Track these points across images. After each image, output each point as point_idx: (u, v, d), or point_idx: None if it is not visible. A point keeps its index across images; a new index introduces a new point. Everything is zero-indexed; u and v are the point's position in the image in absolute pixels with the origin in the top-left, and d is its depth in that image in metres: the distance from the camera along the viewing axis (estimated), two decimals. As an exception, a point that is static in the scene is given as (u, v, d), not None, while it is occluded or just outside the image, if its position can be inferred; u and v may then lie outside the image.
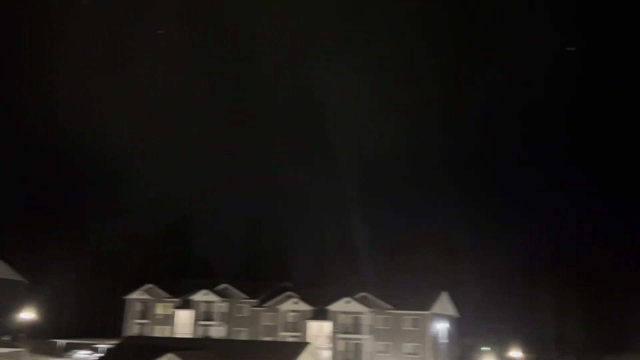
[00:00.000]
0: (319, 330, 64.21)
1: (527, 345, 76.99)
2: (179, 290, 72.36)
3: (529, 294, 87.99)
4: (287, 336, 64.35)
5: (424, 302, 61.25)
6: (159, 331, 70.00)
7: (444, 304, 64.88)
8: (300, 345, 48.42)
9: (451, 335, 66.72)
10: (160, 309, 72.03)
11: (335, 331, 62.10)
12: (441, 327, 62.81)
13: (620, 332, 78.99)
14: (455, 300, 67.08)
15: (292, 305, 65.61)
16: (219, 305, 69.02)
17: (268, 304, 67.51)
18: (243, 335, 66.96)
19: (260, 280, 77.49)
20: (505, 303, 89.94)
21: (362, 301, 62.35)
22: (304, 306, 65.01)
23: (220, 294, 69.50)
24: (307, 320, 64.42)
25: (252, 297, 68.88)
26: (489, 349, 73.27)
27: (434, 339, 60.58)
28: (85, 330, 77.13)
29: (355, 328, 61.79)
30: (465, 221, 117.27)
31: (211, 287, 69.94)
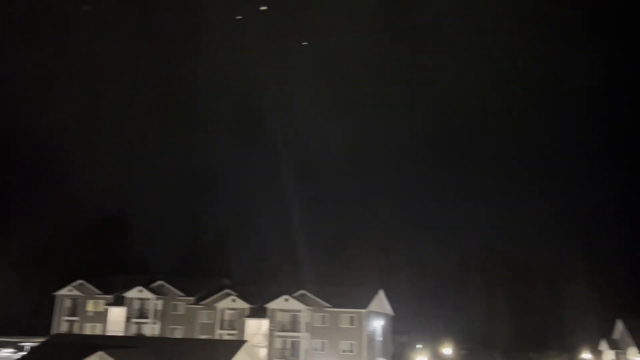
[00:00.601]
0: (256, 329, 64.01)
1: (458, 343, 79.87)
2: (112, 286, 70.33)
3: (461, 293, 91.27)
4: (224, 334, 63.90)
5: (361, 300, 62.23)
6: (90, 329, 67.83)
7: (381, 302, 66.16)
8: (237, 344, 48.07)
9: (386, 332, 68.12)
10: (91, 306, 69.78)
11: (273, 329, 62.13)
12: (377, 325, 64.02)
13: (543, 331, 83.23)
14: (391, 299, 68.53)
15: (229, 303, 65.09)
16: (154, 302, 67.56)
17: (205, 301, 66.67)
18: (178, 333, 65.91)
19: (198, 277, 76.41)
20: (438, 301, 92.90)
21: (301, 299, 62.66)
22: (242, 304, 64.63)
23: (155, 291, 68.03)
24: (245, 318, 64.09)
25: (188, 295, 67.82)
26: (421, 346, 75.44)
27: (370, 336, 61.67)
28: (13, 327, 73.74)
29: (293, 326, 62.02)
30: (402, 221, 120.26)
31: (146, 284, 68.35)
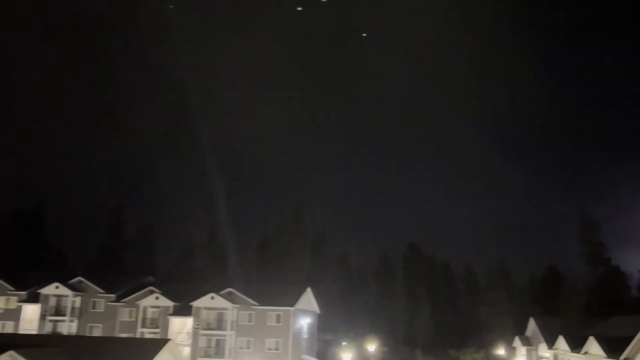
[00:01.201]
0: (181, 327, 62.68)
1: (382, 340, 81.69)
2: (26, 283, 66.50)
3: (385, 290, 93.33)
4: (146, 333, 62.07)
5: (288, 298, 62.28)
6: (1, 327, 63.83)
7: (308, 300, 66.51)
8: (159, 342, 46.66)
9: (312, 330, 68.58)
10: (2, 303, 65.68)
11: (197, 327, 61.00)
12: (304, 323, 64.31)
13: (462, 329, 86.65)
14: (318, 296, 69.04)
15: (153, 301, 63.25)
16: (72, 299, 64.55)
17: (127, 299, 64.46)
18: (97, 331, 63.37)
19: (120, 274, 73.77)
20: (363, 299, 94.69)
21: (228, 297, 61.90)
22: (165, 302, 63.00)
23: (73, 287, 65.04)
24: (168, 317, 62.55)
25: (109, 292, 65.32)
26: (346, 343, 76.54)
27: (296, 334, 61.85)
28: None
29: (219, 324, 61.18)
30: (330, 219, 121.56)
31: (63, 280, 65.17)
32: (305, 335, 65.04)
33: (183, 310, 62.70)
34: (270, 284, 68.97)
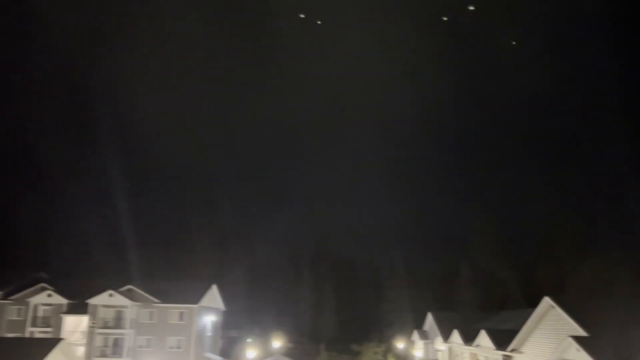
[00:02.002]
0: (75, 326, 59.40)
1: (287, 336, 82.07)
2: None
3: (291, 287, 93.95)
4: (37, 332, 58.21)
5: (192, 296, 60.89)
6: None
7: (213, 297, 65.41)
8: (51, 342, 43.97)
9: (217, 327, 67.55)
10: None
11: (93, 326, 58.07)
12: (208, 320, 63.17)
13: (365, 324, 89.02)
14: (223, 293, 68.11)
15: (45, 298, 59.41)
16: (-49, 297, 59.21)
17: (15, 296, 60.04)
18: (-20, 332, 58.53)
19: (9, 269, 68.52)
20: (270, 295, 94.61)
21: (127, 294, 59.44)
22: (59, 299, 59.42)
23: (-47, 284, 59.69)
24: (62, 315, 59.04)
25: (-5, 289, 60.59)
26: (251, 340, 76.09)
27: (200, 332, 60.63)
28: None
29: (117, 322, 58.62)
30: (237, 216, 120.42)
31: (-58, 277, 59.65)
32: (209, 333, 63.93)
33: (78, 308, 59.46)
34: (174, 281, 67.09)
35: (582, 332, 29.99)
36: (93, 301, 58.42)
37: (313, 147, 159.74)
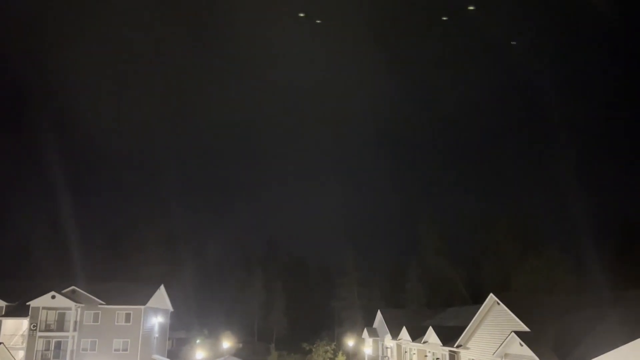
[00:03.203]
0: (15, 329, 56.94)
1: (236, 336, 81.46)
2: None
3: (242, 287, 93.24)
4: (-28, 337, 55.39)
5: (139, 297, 59.46)
6: None
7: (161, 297, 64.10)
8: (-12, 347, 42.09)
9: (164, 329, 66.24)
10: None
11: (34, 329, 55.81)
12: (155, 322, 61.87)
13: (316, 322, 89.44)
14: (172, 294, 66.86)
15: (-19, 301, 56.68)
16: None
17: (-51, 299, 57.02)
18: None
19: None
20: (220, 295, 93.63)
21: (71, 296, 57.43)
22: (-3, 301, 56.80)
23: None
24: (0, 318, 56.44)
25: None
26: (200, 341, 75.08)
27: (146, 333, 59.30)
28: None
29: (59, 325, 56.54)
30: (186, 215, 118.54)
31: None
32: (156, 335, 62.60)
33: (18, 310, 56.99)
34: (120, 282, 65.34)
35: (524, 328, 31.10)
36: (34, 303, 56.12)
37: (264, 146, 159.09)
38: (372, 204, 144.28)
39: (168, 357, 65.57)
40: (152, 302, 60.37)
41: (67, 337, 56.31)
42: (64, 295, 56.84)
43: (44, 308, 56.48)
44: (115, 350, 57.24)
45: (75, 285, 58.59)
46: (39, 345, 55.96)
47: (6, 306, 57.24)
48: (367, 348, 67.80)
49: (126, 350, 57.40)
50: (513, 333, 30.67)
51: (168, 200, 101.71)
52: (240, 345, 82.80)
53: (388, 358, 61.45)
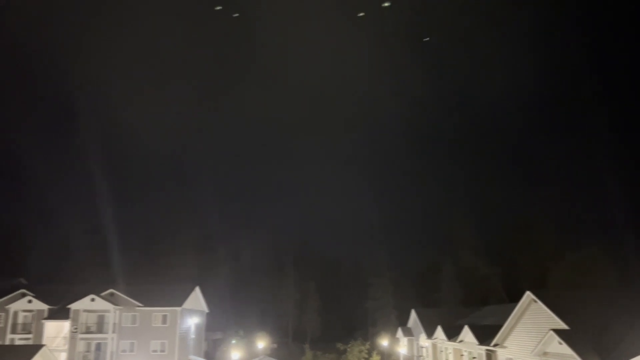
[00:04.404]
0: (57, 331, 58.60)
1: (271, 336, 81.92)
2: None
3: (275, 287, 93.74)
4: (17, 339, 57.29)
5: (175, 298, 60.41)
6: None
7: (196, 299, 64.99)
8: (32, 349, 43.40)
9: (200, 330, 67.13)
10: None
11: (75, 331, 57.31)
12: (191, 323, 62.74)
13: (349, 322, 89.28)
14: (207, 295, 67.70)
15: (25, 304, 58.51)
16: None
17: (-6, 303, 59.04)
18: (-42, 340, 57.43)
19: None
20: (254, 296, 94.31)
21: (109, 298, 58.77)
22: (39, 305, 58.55)
23: None
24: (43, 321, 58.16)
25: (-27, 296, 59.47)
26: (235, 342, 75.78)
27: (183, 334, 60.20)
28: None
29: (99, 327, 57.94)
30: (220, 217, 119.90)
31: None
32: (192, 336, 63.52)
33: (60, 313, 58.66)
34: (156, 284, 66.49)
35: (563, 325, 30.43)
36: (74, 306, 57.65)
37: (296, 148, 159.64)
38: (405, 203, 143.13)
39: (204, 357, 66.39)
40: (187, 304, 61.25)
41: (106, 338, 57.62)
42: (103, 298, 58.20)
43: (84, 311, 57.94)
44: (153, 351, 58.25)
45: (113, 288, 59.90)
46: (80, 347, 57.44)
47: (48, 309, 58.93)
48: (402, 348, 67.34)
49: (164, 351, 58.36)
50: (551, 331, 30.04)
51: (202, 203, 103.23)
52: (275, 345, 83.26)
53: (423, 358, 60.92)
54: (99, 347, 57.91)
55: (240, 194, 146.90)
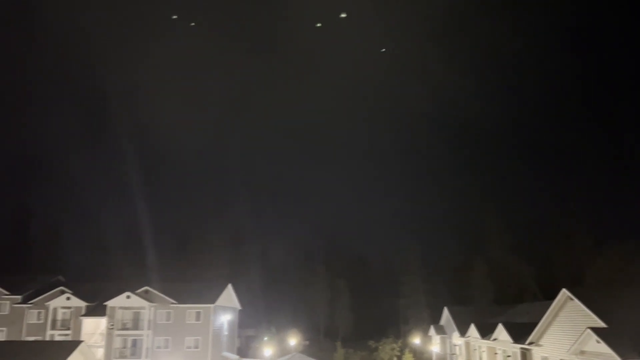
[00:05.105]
0: (94, 328, 60.03)
1: (303, 333, 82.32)
2: None
3: (306, 285, 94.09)
4: (56, 335, 58.94)
5: (208, 296, 61.19)
6: None
7: (229, 296, 65.70)
8: (71, 345, 44.54)
9: (233, 327, 67.87)
10: None
11: (112, 327, 58.62)
12: (224, 320, 63.50)
13: (381, 320, 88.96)
14: (239, 292, 68.39)
15: (63, 302, 60.11)
16: (-28, 302, 60.09)
17: (35, 300, 60.79)
18: (1, 335, 59.35)
19: (26, 274, 69.42)
20: (285, 294, 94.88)
21: (144, 296, 59.89)
22: (77, 302, 60.06)
23: (-27, 290, 60.55)
24: (81, 317, 59.69)
25: (14, 293, 61.31)
26: (268, 338, 76.42)
27: (216, 331, 60.96)
28: None
29: (135, 324, 59.11)
30: (251, 215, 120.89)
31: (-38, 282, 60.55)
32: (225, 332, 64.26)
33: (96, 310, 60.06)
34: (189, 281, 67.49)
35: (601, 324, 29.77)
36: (111, 303, 58.95)
37: (326, 145, 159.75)
38: (436, 200, 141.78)
39: (237, 354, 67.13)
40: (220, 301, 61.99)
41: (142, 335, 58.75)
42: (138, 295, 59.35)
43: (120, 308, 59.20)
44: (187, 347, 59.13)
45: (148, 286, 61.03)
46: (117, 343, 58.71)
47: (86, 306, 60.42)
48: (435, 346, 66.85)
49: (197, 347, 59.18)
50: (589, 329, 29.43)
51: (233, 201, 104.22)
52: (307, 342, 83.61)
53: (456, 356, 60.37)
54: (134, 343, 59.08)
55: (270, 192, 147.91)
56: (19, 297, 61.10)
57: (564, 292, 34.57)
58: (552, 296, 37.33)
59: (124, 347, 58.82)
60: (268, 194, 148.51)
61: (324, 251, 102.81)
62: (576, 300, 33.00)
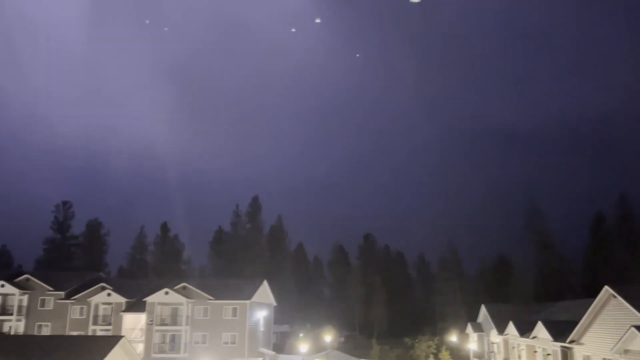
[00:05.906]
0: (134, 323, 61.38)
1: (338, 329, 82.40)
2: (-32, 282, 63.56)
3: (341, 282, 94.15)
4: (98, 330, 60.54)
5: (244, 292, 61.83)
6: (-60, 329, 60.87)
7: (264, 293, 66.23)
8: (112, 340, 45.44)
9: (269, 323, 68.39)
10: (-58, 304, 62.59)
11: (151, 323, 59.85)
12: (260, 316, 64.05)
13: (417, 317, 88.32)
14: (273, 289, 68.86)
15: (104, 298, 61.65)
16: (19, 297, 62.14)
17: (77, 296, 62.57)
18: (46, 330, 61.35)
19: (69, 271, 71.58)
20: (320, 290, 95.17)
21: (182, 292, 60.94)
22: (118, 298, 61.52)
23: (19, 285, 62.62)
24: (121, 313, 61.14)
25: (58, 289, 63.24)
26: (303, 335, 76.78)
27: (253, 327, 61.55)
28: None
29: (173, 319, 60.21)
30: (285, 211, 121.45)
31: (9, 279, 62.67)
32: (261, 328, 64.81)
33: (136, 306, 61.39)
34: (226, 278, 68.35)
35: (646, 322, 28.81)
36: (150, 299, 60.16)
37: (362, 143, 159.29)
38: (473, 197, 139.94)
39: (273, 350, 67.63)
40: (256, 297, 62.55)
41: (180, 330, 59.80)
42: (176, 291, 60.43)
43: (158, 304, 60.37)
44: (224, 343, 59.89)
45: (185, 282, 62.06)
46: (156, 338, 59.92)
47: (126, 302, 61.85)
48: (472, 343, 65.93)
49: (234, 343, 59.89)
50: (633, 328, 28.52)
51: (268, 198, 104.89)
52: (342, 339, 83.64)
53: (494, 354, 59.40)
54: (173, 338, 60.16)
55: (305, 189, 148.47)
56: (62, 293, 62.97)
57: (607, 290, 33.57)
58: (594, 293, 36.31)
59: (163, 343, 59.97)
60: (302, 191, 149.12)
61: (359, 247, 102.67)
62: (619, 298, 32.01)
